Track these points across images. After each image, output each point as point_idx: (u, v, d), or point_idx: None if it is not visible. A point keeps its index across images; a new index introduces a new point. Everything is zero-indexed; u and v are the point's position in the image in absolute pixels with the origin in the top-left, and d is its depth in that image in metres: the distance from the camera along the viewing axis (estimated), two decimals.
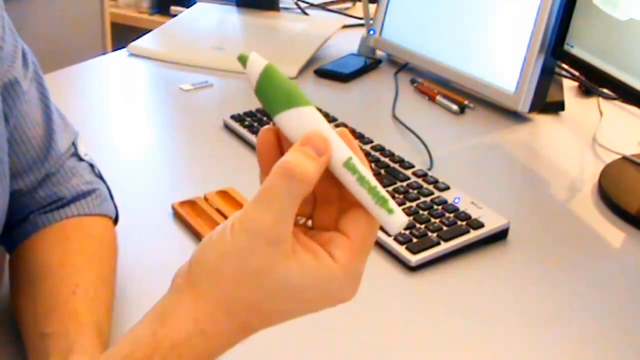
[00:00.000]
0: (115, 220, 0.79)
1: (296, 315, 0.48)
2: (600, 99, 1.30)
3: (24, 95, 0.71)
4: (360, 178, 0.45)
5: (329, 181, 0.47)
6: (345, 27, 1.60)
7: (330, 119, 1.13)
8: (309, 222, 0.49)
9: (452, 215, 0.88)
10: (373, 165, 0.99)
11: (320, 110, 1.21)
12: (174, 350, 0.45)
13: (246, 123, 1.12)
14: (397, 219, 0.46)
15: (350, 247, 0.46)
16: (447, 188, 0.93)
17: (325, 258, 0.46)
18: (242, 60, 0.47)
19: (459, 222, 0.86)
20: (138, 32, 1.66)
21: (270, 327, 0.48)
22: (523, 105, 1.19)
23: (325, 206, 0.48)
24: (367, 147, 1.04)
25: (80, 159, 0.78)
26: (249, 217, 0.44)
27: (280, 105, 0.46)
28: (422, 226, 0.86)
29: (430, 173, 0.97)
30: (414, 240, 0.83)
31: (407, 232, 0.84)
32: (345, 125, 1.11)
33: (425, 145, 1.10)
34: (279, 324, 0.48)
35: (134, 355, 0.45)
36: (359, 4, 1.80)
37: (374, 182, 0.46)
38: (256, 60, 0.47)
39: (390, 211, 0.46)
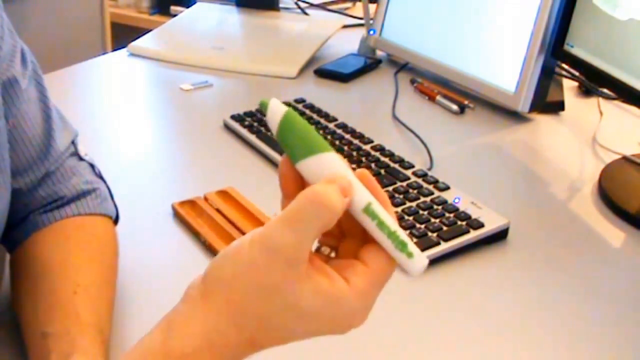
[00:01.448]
0: (116, 221, 0.79)
1: (304, 336, 0.48)
2: (600, 99, 1.30)
3: (22, 94, 0.72)
4: (379, 223, 0.46)
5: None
6: (345, 27, 1.60)
7: (330, 119, 1.13)
8: (333, 254, 0.49)
9: (452, 215, 0.88)
10: (373, 165, 0.99)
11: (320, 110, 1.21)
12: None
13: (246, 123, 1.12)
14: (417, 263, 0.47)
15: (368, 275, 0.47)
16: (447, 188, 0.93)
17: (339, 281, 0.46)
18: (263, 106, 0.48)
19: (459, 222, 0.86)
20: (138, 32, 1.66)
21: (277, 346, 0.48)
22: (523, 105, 1.19)
23: (350, 239, 0.49)
24: (367, 147, 1.04)
25: (81, 159, 0.78)
26: (270, 235, 0.45)
27: (301, 153, 0.47)
28: (422, 226, 0.86)
29: (430, 173, 0.97)
30: (414, 240, 0.83)
31: (407, 232, 0.84)
32: (345, 125, 1.11)
33: (425, 145, 1.10)
34: (286, 344, 0.48)
35: None
36: (359, 4, 1.80)
37: (394, 226, 0.46)
38: (276, 106, 0.47)
39: (409, 255, 0.47)
